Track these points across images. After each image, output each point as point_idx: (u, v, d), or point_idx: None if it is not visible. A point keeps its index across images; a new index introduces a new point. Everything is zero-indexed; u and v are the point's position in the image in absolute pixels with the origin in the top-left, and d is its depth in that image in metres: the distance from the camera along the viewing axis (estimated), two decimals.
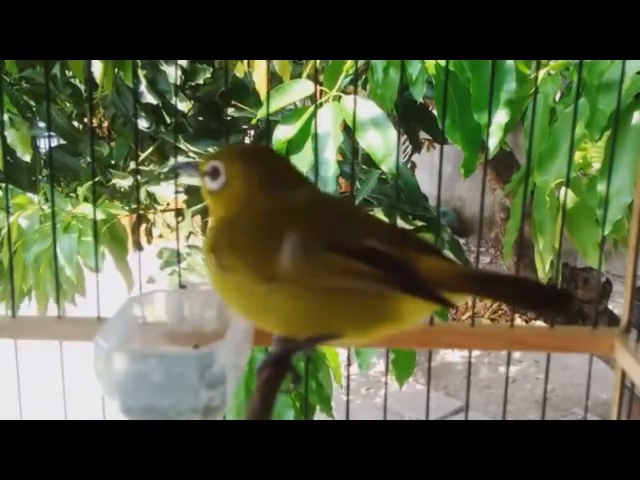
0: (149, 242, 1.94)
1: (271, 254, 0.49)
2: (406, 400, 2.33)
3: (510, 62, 0.91)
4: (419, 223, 1.20)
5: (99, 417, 0.73)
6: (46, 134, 1.78)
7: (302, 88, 1.04)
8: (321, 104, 1.02)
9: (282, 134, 1.04)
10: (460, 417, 2.57)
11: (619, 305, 0.95)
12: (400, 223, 1.21)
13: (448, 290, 0.47)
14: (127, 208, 1.65)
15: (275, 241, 0.49)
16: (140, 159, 1.75)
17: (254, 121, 1.28)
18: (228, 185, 0.54)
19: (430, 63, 0.95)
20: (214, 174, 0.55)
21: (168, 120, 1.73)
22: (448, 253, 1.23)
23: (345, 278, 0.48)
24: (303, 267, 0.49)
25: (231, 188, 0.54)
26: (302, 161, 1.02)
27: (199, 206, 1.65)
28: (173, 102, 1.68)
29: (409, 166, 2.52)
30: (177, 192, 1.61)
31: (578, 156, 0.95)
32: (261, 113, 1.07)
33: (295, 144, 1.03)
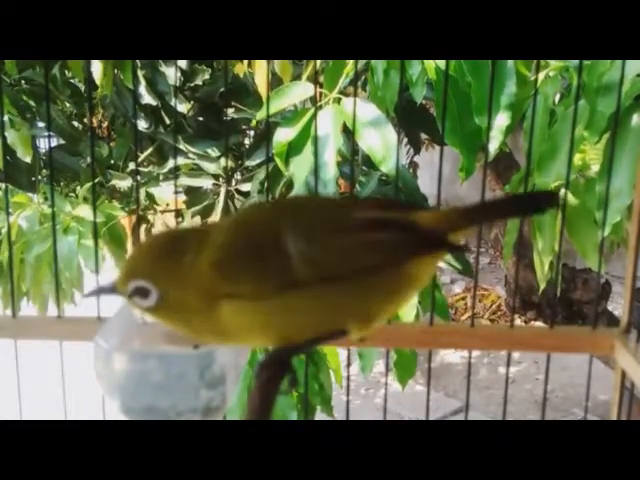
0: None
1: (276, 265, 0.47)
2: (406, 400, 2.33)
3: (510, 65, 0.91)
4: None
5: (99, 417, 0.73)
6: (46, 134, 1.78)
7: (302, 90, 1.04)
8: (321, 106, 1.02)
9: (282, 136, 1.04)
10: (460, 417, 2.57)
11: (618, 306, 0.96)
12: None
13: (449, 233, 0.49)
14: (126, 209, 1.65)
15: (274, 251, 0.47)
16: (139, 160, 1.75)
17: (253, 122, 1.28)
18: (169, 298, 0.48)
19: (430, 66, 0.95)
20: (142, 293, 0.48)
21: (167, 121, 1.73)
22: (447, 254, 1.23)
23: (370, 253, 0.47)
24: (320, 259, 0.47)
25: (174, 299, 0.48)
26: (302, 163, 1.02)
27: (199, 207, 1.65)
28: (172, 103, 1.68)
29: (411, 167, 2.52)
30: (177, 192, 1.61)
31: (577, 158, 0.95)
32: (260, 115, 1.07)
33: (295, 146, 1.03)
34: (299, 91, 1.04)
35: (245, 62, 1.46)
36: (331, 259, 0.47)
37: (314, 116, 0.96)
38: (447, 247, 0.49)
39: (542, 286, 0.96)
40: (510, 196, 0.51)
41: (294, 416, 1.07)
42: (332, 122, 1.00)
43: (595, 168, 0.94)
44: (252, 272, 0.47)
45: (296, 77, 1.30)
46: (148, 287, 0.47)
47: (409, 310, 1.03)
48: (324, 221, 0.49)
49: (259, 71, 1.25)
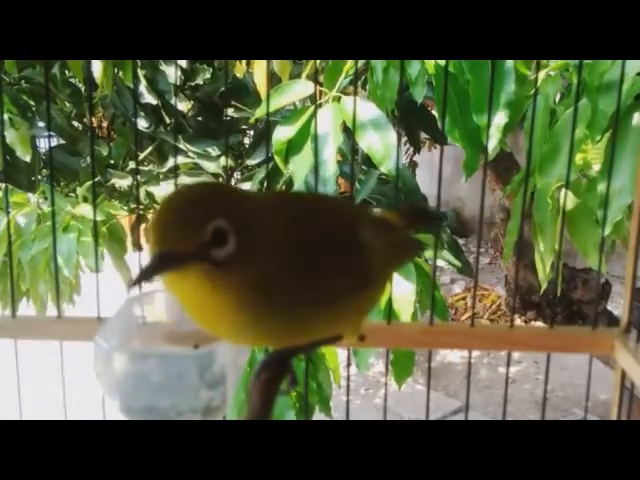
0: (148, 242, 1.93)
1: (363, 261, 0.45)
2: (406, 400, 2.33)
3: (510, 63, 0.91)
4: None
5: (99, 417, 0.73)
6: (46, 134, 1.78)
7: (302, 88, 1.04)
8: (321, 104, 1.02)
9: (282, 135, 1.03)
10: (460, 417, 2.57)
11: (618, 306, 0.96)
12: None
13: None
14: (126, 208, 1.65)
15: (357, 248, 0.45)
16: (139, 159, 1.75)
17: (252, 120, 1.28)
18: (255, 243, 0.38)
19: (430, 63, 0.95)
20: (219, 239, 0.37)
21: (168, 120, 1.73)
22: (447, 254, 1.23)
23: (401, 253, 0.51)
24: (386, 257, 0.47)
25: (259, 246, 0.38)
26: (302, 162, 1.02)
27: None
28: (173, 102, 1.68)
29: (411, 167, 2.52)
30: None
31: (579, 157, 0.95)
32: (259, 112, 1.07)
33: (295, 145, 1.03)
34: (299, 89, 1.04)
35: (245, 62, 1.46)
36: (382, 259, 0.47)
37: (314, 114, 0.96)
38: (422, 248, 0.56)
39: (543, 286, 0.96)
40: (419, 207, 0.60)
41: (291, 416, 1.07)
42: (332, 120, 0.99)
43: (596, 167, 0.93)
44: (335, 273, 0.42)
45: (296, 76, 1.30)
46: (224, 226, 0.36)
47: (407, 309, 1.03)
48: (368, 223, 0.49)
49: (258, 70, 1.25)
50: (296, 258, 0.40)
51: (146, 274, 0.36)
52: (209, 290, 0.38)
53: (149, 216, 1.83)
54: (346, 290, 0.43)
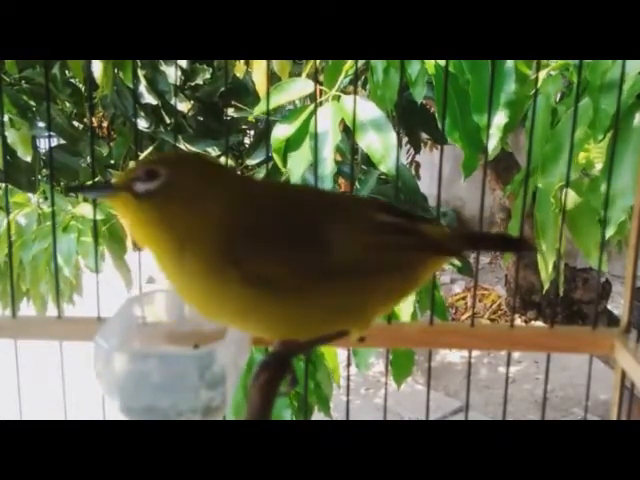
0: None
1: (318, 249, 0.46)
2: (406, 400, 2.33)
3: (510, 63, 0.90)
4: None
5: (99, 417, 0.73)
6: (46, 134, 1.78)
7: (301, 86, 1.04)
8: (321, 103, 1.02)
9: (280, 133, 1.03)
10: (460, 417, 2.57)
11: (618, 306, 0.95)
12: None
13: (451, 248, 0.52)
14: None
15: (316, 233, 0.46)
16: (139, 159, 1.75)
17: (251, 118, 1.28)
18: (176, 185, 0.45)
19: (430, 64, 0.95)
20: (149, 176, 0.45)
21: (168, 120, 1.74)
22: None
23: (391, 253, 0.49)
24: (355, 253, 0.47)
25: (183, 187, 0.45)
26: (300, 159, 1.02)
27: None
28: (173, 102, 1.68)
29: (413, 167, 2.52)
30: None
31: (581, 157, 0.95)
32: (258, 110, 1.07)
33: (293, 142, 1.03)
34: (298, 87, 1.04)
35: (244, 61, 1.46)
36: (363, 254, 0.47)
37: (313, 113, 0.96)
38: (454, 254, 0.54)
39: (546, 286, 0.96)
40: (502, 234, 0.59)
41: (288, 415, 1.06)
42: (331, 119, 0.99)
43: (599, 167, 0.93)
44: (287, 255, 0.45)
45: (296, 75, 1.30)
46: (157, 170, 0.45)
47: (406, 308, 1.03)
48: (354, 217, 0.49)
49: (257, 70, 1.25)
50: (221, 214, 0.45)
51: (82, 189, 0.51)
52: (129, 215, 0.46)
53: None
54: (279, 277, 0.45)
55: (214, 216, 0.44)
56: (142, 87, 1.64)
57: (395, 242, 0.49)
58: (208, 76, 1.72)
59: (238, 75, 1.59)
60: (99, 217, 1.41)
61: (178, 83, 1.69)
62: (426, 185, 1.33)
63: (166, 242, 0.45)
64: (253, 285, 0.44)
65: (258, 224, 0.45)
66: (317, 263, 0.46)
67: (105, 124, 2.15)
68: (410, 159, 2.48)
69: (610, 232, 0.82)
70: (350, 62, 1.05)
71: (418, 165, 2.61)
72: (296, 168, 1.03)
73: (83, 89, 1.79)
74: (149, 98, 1.65)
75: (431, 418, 1.02)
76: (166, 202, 0.45)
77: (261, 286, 0.44)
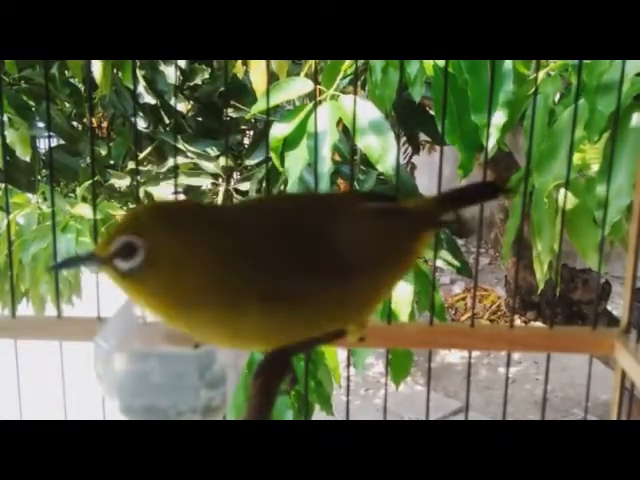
0: None
1: (328, 252, 0.45)
2: (405, 401, 2.33)
3: (508, 64, 0.91)
4: None
5: (99, 417, 0.73)
6: (45, 134, 1.78)
7: (300, 86, 1.04)
8: (320, 102, 1.02)
9: (278, 132, 1.04)
10: (460, 418, 2.57)
11: (618, 307, 0.95)
12: None
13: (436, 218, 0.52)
14: (125, 208, 1.65)
15: (320, 237, 0.45)
16: (139, 159, 1.75)
17: (249, 116, 1.28)
18: (158, 258, 0.42)
19: (428, 64, 0.95)
20: (128, 252, 0.42)
21: (167, 120, 1.73)
22: (446, 254, 1.23)
23: (390, 239, 0.48)
24: (363, 246, 0.46)
25: (166, 258, 0.42)
26: (297, 158, 1.02)
27: None
28: (172, 102, 1.68)
29: (409, 168, 2.52)
30: (176, 192, 1.61)
31: (577, 157, 0.95)
32: (256, 109, 1.07)
33: (290, 141, 1.03)
34: (297, 86, 1.04)
35: (240, 60, 1.46)
36: (367, 251, 0.47)
37: (311, 112, 0.96)
38: (442, 224, 0.55)
39: (541, 286, 0.96)
40: (472, 184, 0.56)
41: (290, 416, 1.06)
42: (329, 118, 0.99)
43: (595, 167, 0.93)
44: (301, 269, 0.44)
45: (295, 75, 1.30)
46: (135, 242, 0.42)
47: (404, 308, 1.03)
48: (348, 211, 0.49)
49: (255, 69, 1.25)
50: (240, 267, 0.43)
51: (68, 263, 0.50)
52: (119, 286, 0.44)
53: None
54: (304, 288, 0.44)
55: (210, 269, 0.43)
56: (141, 87, 1.64)
57: (395, 226, 0.48)
58: (207, 76, 1.72)
59: (237, 75, 1.59)
60: (98, 217, 1.41)
61: (177, 83, 1.69)
62: (425, 186, 1.32)
63: (165, 308, 0.44)
64: (272, 309, 0.43)
65: (261, 251, 0.44)
66: (330, 266, 0.45)
67: (104, 124, 2.15)
68: (407, 159, 2.47)
69: (605, 232, 0.82)
70: (349, 62, 1.05)
71: (413, 166, 2.61)
72: (293, 167, 1.03)
73: (82, 89, 1.79)
74: (148, 98, 1.65)
75: (431, 419, 1.02)
76: (154, 278, 0.42)
77: (279, 305, 0.44)
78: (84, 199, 1.47)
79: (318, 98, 1.01)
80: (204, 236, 0.43)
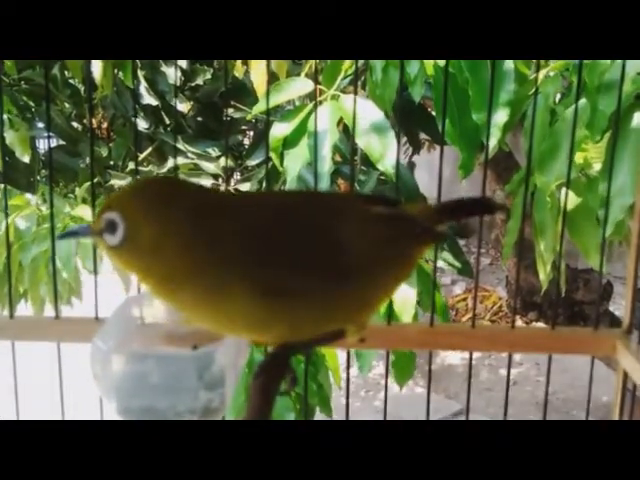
0: None
1: (333, 250, 0.46)
2: (406, 403, 2.32)
3: (509, 63, 0.90)
4: None
5: (97, 419, 0.73)
6: (45, 135, 1.78)
7: (300, 86, 1.04)
8: (321, 102, 1.02)
9: (278, 132, 1.03)
10: (460, 420, 2.56)
11: (620, 307, 0.95)
12: None
13: (435, 225, 0.53)
14: None
15: (329, 234, 0.46)
16: (139, 160, 1.74)
17: (249, 117, 1.28)
18: (137, 235, 0.43)
19: (429, 64, 0.95)
20: (110, 228, 0.44)
21: (167, 121, 1.73)
22: (447, 255, 1.23)
23: (396, 243, 0.49)
24: (367, 248, 0.47)
25: (145, 236, 0.43)
26: (297, 158, 1.02)
27: None
28: (173, 103, 1.68)
29: (409, 167, 2.51)
30: None
31: (579, 157, 0.95)
32: (256, 110, 1.07)
33: (290, 141, 1.03)
34: (297, 87, 1.04)
35: (240, 60, 1.46)
36: (374, 249, 0.47)
37: (311, 112, 0.96)
38: (442, 236, 0.56)
39: (544, 287, 0.96)
40: (470, 198, 0.56)
41: (291, 417, 1.06)
42: (329, 118, 0.99)
43: (597, 167, 0.93)
44: (301, 260, 0.44)
45: (294, 75, 1.30)
46: (116, 219, 0.44)
47: (408, 310, 1.02)
48: (353, 213, 0.49)
49: (255, 69, 1.25)
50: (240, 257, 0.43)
51: (69, 234, 0.51)
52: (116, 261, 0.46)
53: None
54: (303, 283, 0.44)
55: (192, 251, 0.43)
56: (142, 88, 1.64)
57: (398, 232, 0.49)
58: (209, 76, 1.72)
59: (237, 75, 1.59)
60: None
61: (178, 83, 1.69)
62: (425, 186, 1.32)
63: (150, 283, 0.45)
64: (272, 298, 0.44)
65: (261, 242, 0.44)
66: (330, 265, 0.46)
67: (105, 125, 2.15)
68: (407, 159, 2.47)
69: (607, 232, 0.81)
70: (349, 62, 1.05)
71: (413, 166, 2.60)
72: (292, 166, 1.03)
73: (83, 90, 1.79)
74: (149, 98, 1.65)
75: None
76: (134, 253, 0.44)
77: (279, 296, 0.44)
78: (84, 200, 1.47)
79: (318, 98, 1.01)
80: (189, 217, 0.43)
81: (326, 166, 0.98)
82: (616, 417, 0.80)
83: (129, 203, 0.44)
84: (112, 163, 1.82)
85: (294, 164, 1.02)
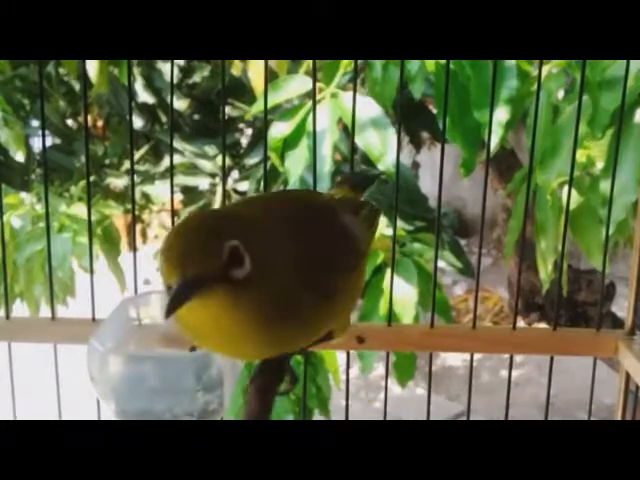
0: (144, 242, 1.93)
1: (352, 246, 0.48)
2: (406, 404, 2.31)
3: (511, 60, 0.90)
4: (419, 224, 1.19)
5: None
6: (40, 133, 1.76)
7: (299, 84, 1.03)
8: (319, 100, 1.01)
9: (278, 131, 1.03)
10: None
11: (623, 308, 0.94)
12: (400, 224, 1.19)
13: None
14: (121, 208, 1.64)
15: (346, 232, 0.48)
16: (135, 158, 1.73)
17: (247, 116, 1.27)
18: (263, 263, 0.40)
19: (429, 61, 0.94)
20: (237, 259, 0.39)
21: (164, 119, 1.72)
22: (448, 255, 1.22)
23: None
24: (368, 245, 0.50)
25: (264, 261, 0.40)
26: (297, 158, 1.01)
27: (195, 206, 1.64)
28: (169, 100, 1.67)
29: (413, 167, 2.51)
30: (173, 192, 1.60)
31: (581, 155, 0.94)
32: (255, 109, 1.06)
33: (291, 141, 1.02)
34: (296, 85, 1.03)
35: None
36: (362, 245, 0.50)
37: (310, 111, 0.95)
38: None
39: (546, 287, 0.95)
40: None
41: (290, 419, 1.05)
42: (329, 116, 0.99)
43: (600, 165, 0.92)
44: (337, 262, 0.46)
45: (293, 73, 1.30)
46: (240, 248, 0.38)
47: (408, 311, 1.02)
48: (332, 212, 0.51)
49: (253, 67, 1.24)
50: (300, 266, 0.42)
51: (177, 301, 0.37)
52: (232, 310, 0.39)
53: (144, 217, 1.82)
54: (339, 280, 0.46)
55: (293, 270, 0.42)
56: (138, 85, 1.63)
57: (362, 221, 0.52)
58: (206, 74, 1.71)
59: (235, 73, 1.58)
60: (93, 217, 1.40)
61: (175, 81, 1.68)
62: (427, 185, 1.31)
63: (257, 327, 0.41)
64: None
65: (303, 253, 0.43)
66: (353, 260, 0.48)
67: (100, 123, 2.13)
68: (411, 159, 2.47)
69: (610, 231, 0.81)
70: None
71: (417, 165, 2.60)
72: (294, 167, 1.02)
73: (78, 88, 1.78)
74: (145, 97, 1.64)
75: None
76: (264, 284, 0.40)
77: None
78: (79, 199, 1.46)
79: (318, 97, 1.00)
80: (279, 239, 0.42)
81: (327, 166, 0.97)
82: (619, 419, 0.79)
83: (238, 227, 0.40)
84: (108, 162, 1.81)
85: (295, 166, 1.02)
